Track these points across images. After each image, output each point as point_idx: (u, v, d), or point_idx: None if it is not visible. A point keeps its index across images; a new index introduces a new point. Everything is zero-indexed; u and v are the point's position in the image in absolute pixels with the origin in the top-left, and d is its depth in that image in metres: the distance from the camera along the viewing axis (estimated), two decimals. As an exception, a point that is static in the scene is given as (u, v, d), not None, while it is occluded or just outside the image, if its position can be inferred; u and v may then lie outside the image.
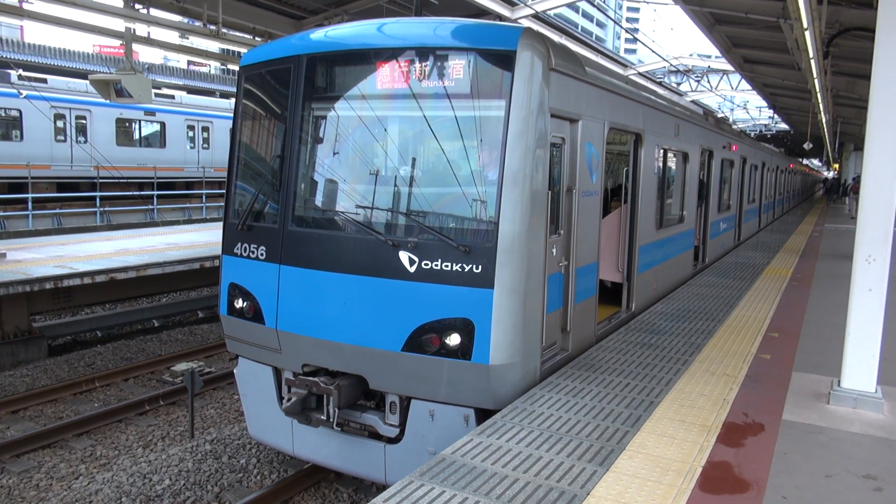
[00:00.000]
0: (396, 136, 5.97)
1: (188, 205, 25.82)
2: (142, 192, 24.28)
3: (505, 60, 5.41)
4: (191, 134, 28.47)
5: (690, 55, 31.38)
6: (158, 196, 24.03)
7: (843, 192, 40.82)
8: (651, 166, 8.83)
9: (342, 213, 5.97)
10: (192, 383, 8.51)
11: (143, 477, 7.41)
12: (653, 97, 9.17)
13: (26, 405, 9.80)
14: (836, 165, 54.09)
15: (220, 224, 6.92)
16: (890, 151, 5.22)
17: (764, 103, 33.42)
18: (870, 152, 5.30)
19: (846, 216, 29.26)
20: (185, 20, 13.69)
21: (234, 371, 7.03)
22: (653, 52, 22.90)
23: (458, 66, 5.51)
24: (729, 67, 24.21)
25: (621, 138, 8.04)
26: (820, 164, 77.17)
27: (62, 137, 23.18)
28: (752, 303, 9.52)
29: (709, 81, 32.41)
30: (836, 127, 30.90)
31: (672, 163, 10.41)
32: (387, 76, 5.78)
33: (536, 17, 17.56)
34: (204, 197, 26.12)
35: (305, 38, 6.37)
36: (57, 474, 7.82)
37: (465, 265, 5.32)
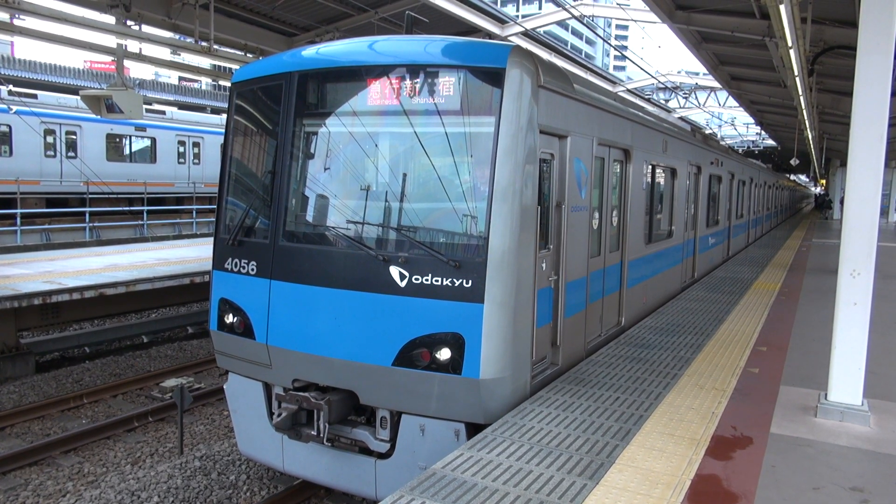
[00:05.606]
0: (387, 152, 6.02)
1: (178, 220, 25.75)
2: (132, 208, 24.21)
3: (494, 77, 5.48)
4: (181, 149, 28.46)
5: (678, 72, 31.75)
6: (149, 211, 23.97)
7: (828, 205, 46.00)
8: (639, 182, 8.93)
9: (333, 228, 6.00)
10: (181, 399, 8.46)
11: (132, 494, 7.34)
12: (641, 114, 9.28)
13: (13, 422, 9.71)
14: (823, 181, 54.63)
15: (211, 239, 6.93)
16: (872, 168, 5.32)
17: (751, 120, 33.79)
18: (853, 169, 5.39)
19: (833, 231, 29.53)
20: (177, 37, 13.74)
21: (224, 387, 7.00)
22: (641, 69, 23.13)
23: (448, 83, 5.58)
24: (716, 84, 24.51)
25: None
26: (807, 180, 77.91)
27: (52, 153, 23.13)
28: (740, 317, 9.59)
29: (696, 98, 32.80)
30: (822, 143, 31.23)
31: (661, 178, 10.51)
32: (378, 93, 5.84)
33: (526, 34, 17.77)
34: (194, 212, 26.07)
35: (297, 55, 6.43)
36: (44, 492, 7.74)
37: (455, 280, 5.35)
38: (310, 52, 6.39)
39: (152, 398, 10.94)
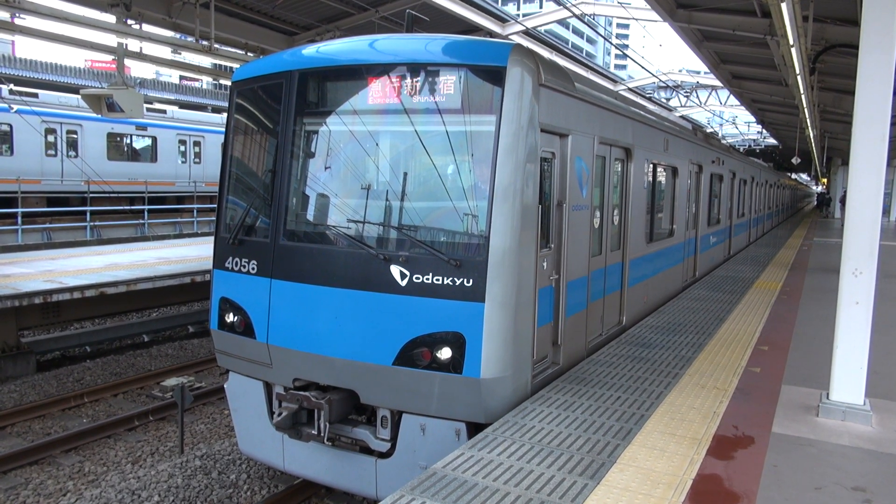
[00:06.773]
0: (388, 150, 6.01)
1: (179, 219, 25.75)
2: (133, 207, 24.20)
3: (495, 76, 5.47)
4: (182, 148, 28.45)
5: (679, 71, 31.80)
6: (149, 210, 23.98)
7: (827, 203, 49.75)
8: (641, 181, 8.91)
9: (334, 227, 5.99)
10: (181, 398, 8.46)
11: (132, 493, 7.34)
12: (642, 112, 9.26)
13: (14, 421, 9.71)
14: (825, 180, 54.62)
15: (212, 239, 6.92)
16: (874, 167, 5.30)
17: (752, 118, 33.80)
18: (855, 168, 5.37)
19: (835, 230, 29.51)
20: (178, 36, 13.73)
21: (225, 386, 7.00)
22: (642, 68, 23.10)
23: (448, 82, 5.56)
24: (717, 83, 24.48)
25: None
26: (808, 179, 77.86)
27: (53, 152, 23.12)
28: (742, 316, 9.57)
29: (698, 97, 32.79)
30: (823, 142, 31.21)
31: (662, 177, 10.49)
32: (378, 91, 5.82)
33: (527, 33, 17.75)
34: (195, 211, 26.06)
35: (297, 54, 6.41)
36: (44, 491, 7.74)
37: (456, 279, 5.34)
38: (310, 50, 6.38)
39: (153, 397, 10.94)
